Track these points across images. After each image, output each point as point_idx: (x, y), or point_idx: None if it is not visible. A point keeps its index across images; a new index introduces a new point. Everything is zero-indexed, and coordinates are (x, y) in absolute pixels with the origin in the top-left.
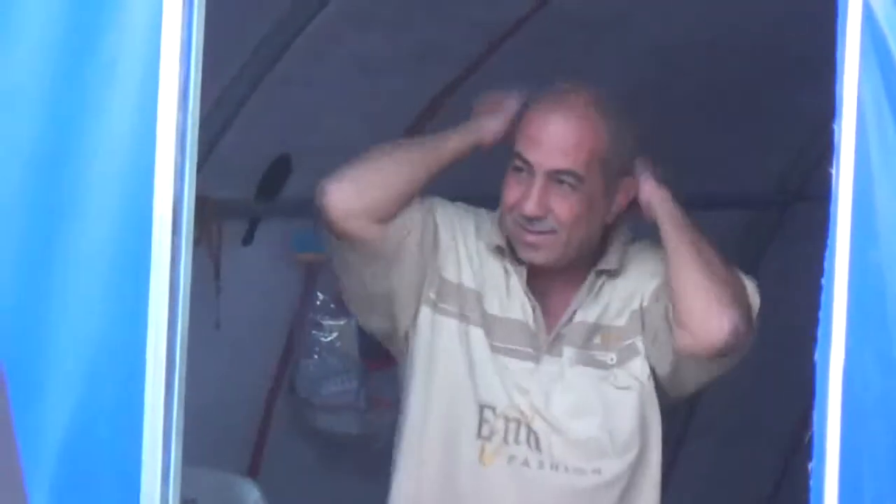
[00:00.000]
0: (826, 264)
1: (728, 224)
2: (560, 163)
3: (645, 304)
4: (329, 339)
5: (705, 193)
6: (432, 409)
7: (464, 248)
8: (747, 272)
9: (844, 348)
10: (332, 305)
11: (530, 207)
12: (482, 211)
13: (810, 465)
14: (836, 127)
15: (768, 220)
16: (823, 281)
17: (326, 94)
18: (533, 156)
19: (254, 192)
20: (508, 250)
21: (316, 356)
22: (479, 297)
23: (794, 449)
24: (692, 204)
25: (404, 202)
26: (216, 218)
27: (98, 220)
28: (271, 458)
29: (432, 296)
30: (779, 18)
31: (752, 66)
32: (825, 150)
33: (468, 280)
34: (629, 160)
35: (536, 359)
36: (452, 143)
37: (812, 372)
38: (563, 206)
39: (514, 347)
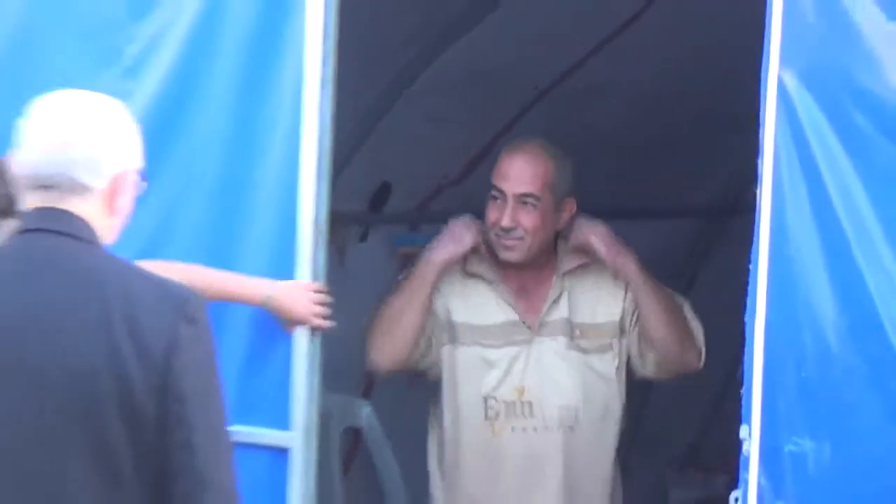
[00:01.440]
0: (752, 255)
1: (683, 230)
2: (524, 188)
3: (623, 320)
4: None
5: (665, 206)
6: (458, 405)
7: (451, 294)
8: (696, 266)
9: (766, 310)
10: None
11: (506, 222)
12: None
13: (742, 391)
14: (759, 161)
15: (712, 226)
16: (750, 266)
17: (413, 138)
18: (505, 186)
19: (366, 206)
20: (482, 268)
21: None
22: (467, 322)
23: (728, 381)
24: (655, 214)
25: (417, 336)
26: (343, 224)
27: (262, 226)
28: (378, 385)
29: (441, 340)
30: (719, 84)
31: (700, 115)
32: (752, 176)
33: (456, 313)
34: (569, 186)
35: (529, 341)
36: (430, 277)
37: (743, 327)
38: (528, 219)
39: (507, 339)
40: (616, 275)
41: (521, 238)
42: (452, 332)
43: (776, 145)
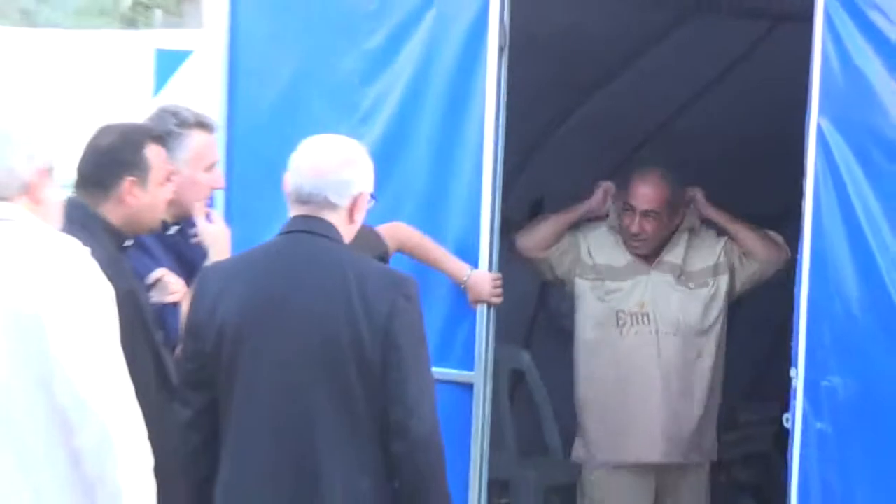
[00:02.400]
0: (799, 247)
1: None
2: (647, 206)
3: (719, 260)
4: None
5: (741, 215)
6: (590, 319)
7: (594, 243)
8: None
9: (808, 286)
10: None
11: (634, 229)
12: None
13: (791, 343)
14: (804, 181)
15: (773, 229)
16: (799, 256)
17: (559, 165)
18: (635, 203)
19: (527, 214)
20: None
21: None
22: (608, 263)
23: (780, 336)
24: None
25: (555, 241)
26: (510, 227)
27: (455, 228)
28: (536, 339)
29: (579, 272)
30: (777, 128)
31: (764, 150)
32: (801, 191)
33: (598, 258)
34: (681, 199)
35: (647, 272)
36: (575, 214)
37: (792, 298)
38: (651, 228)
39: (635, 271)
40: (708, 221)
41: (645, 240)
42: (597, 272)
43: (816, 171)
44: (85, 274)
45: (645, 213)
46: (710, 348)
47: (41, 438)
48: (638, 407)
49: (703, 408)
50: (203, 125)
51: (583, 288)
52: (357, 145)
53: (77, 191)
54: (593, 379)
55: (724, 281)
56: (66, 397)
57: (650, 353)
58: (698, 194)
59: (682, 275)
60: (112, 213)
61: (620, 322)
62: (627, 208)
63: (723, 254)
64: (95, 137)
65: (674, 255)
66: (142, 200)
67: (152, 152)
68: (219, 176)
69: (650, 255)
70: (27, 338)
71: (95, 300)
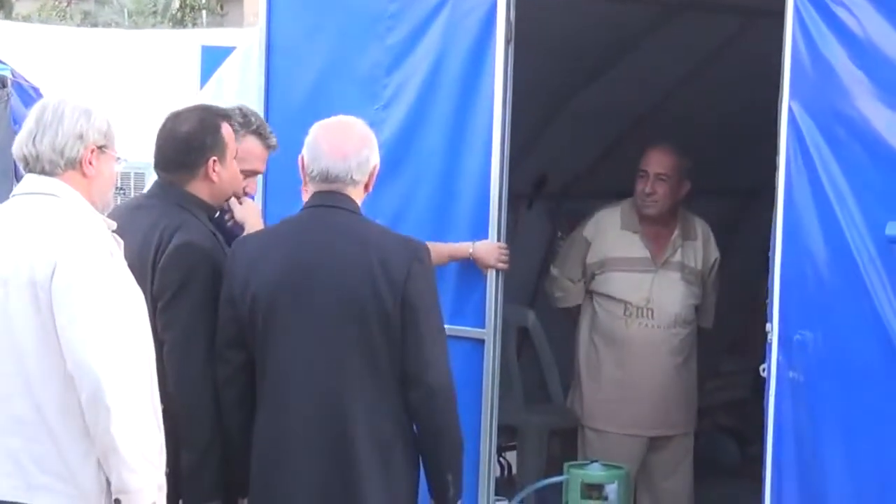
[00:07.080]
0: (773, 218)
1: (732, 202)
2: (659, 169)
3: (703, 270)
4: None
5: (718, 188)
6: (608, 307)
7: (604, 238)
8: (739, 220)
9: (781, 252)
10: (563, 236)
11: (647, 190)
12: (618, 208)
13: (767, 303)
14: (777, 159)
15: (749, 200)
16: (773, 225)
17: (560, 147)
18: (648, 168)
19: (531, 189)
20: (631, 225)
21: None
22: (623, 255)
23: (758, 297)
24: (714, 193)
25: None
26: (517, 200)
27: (466, 204)
28: (540, 300)
29: (594, 266)
30: (753, 112)
31: (742, 132)
32: (774, 167)
33: (611, 252)
34: (686, 171)
35: (655, 272)
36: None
37: (767, 262)
38: (661, 189)
39: (642, 269)
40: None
41: (656, 201)
42: (610, 265)
43: (787, 149)
44: (95, 251)
45: (657, 176)
46: (694, 334)
47: (55, 400)
48: (633, 384)
49: (690, 383)
50: (259, 134)
51: (599, 279)
52: (362, 122)
53: (161, 173)
54: (596, 360)
55: (701, 283)
56: (69, 362)
57: (650, 346)
58: None
59: (684, 270)
60: (200, 190)
61: (627, 314)
62: (642, 174)
63: (706, 265)
64: (174, 124)
65: (676, 254)
66: (223, 175)
67: (226, 131)
68: (251, 183)
69: (656, 227)
70: (44, 308)
71: (102, 275)
